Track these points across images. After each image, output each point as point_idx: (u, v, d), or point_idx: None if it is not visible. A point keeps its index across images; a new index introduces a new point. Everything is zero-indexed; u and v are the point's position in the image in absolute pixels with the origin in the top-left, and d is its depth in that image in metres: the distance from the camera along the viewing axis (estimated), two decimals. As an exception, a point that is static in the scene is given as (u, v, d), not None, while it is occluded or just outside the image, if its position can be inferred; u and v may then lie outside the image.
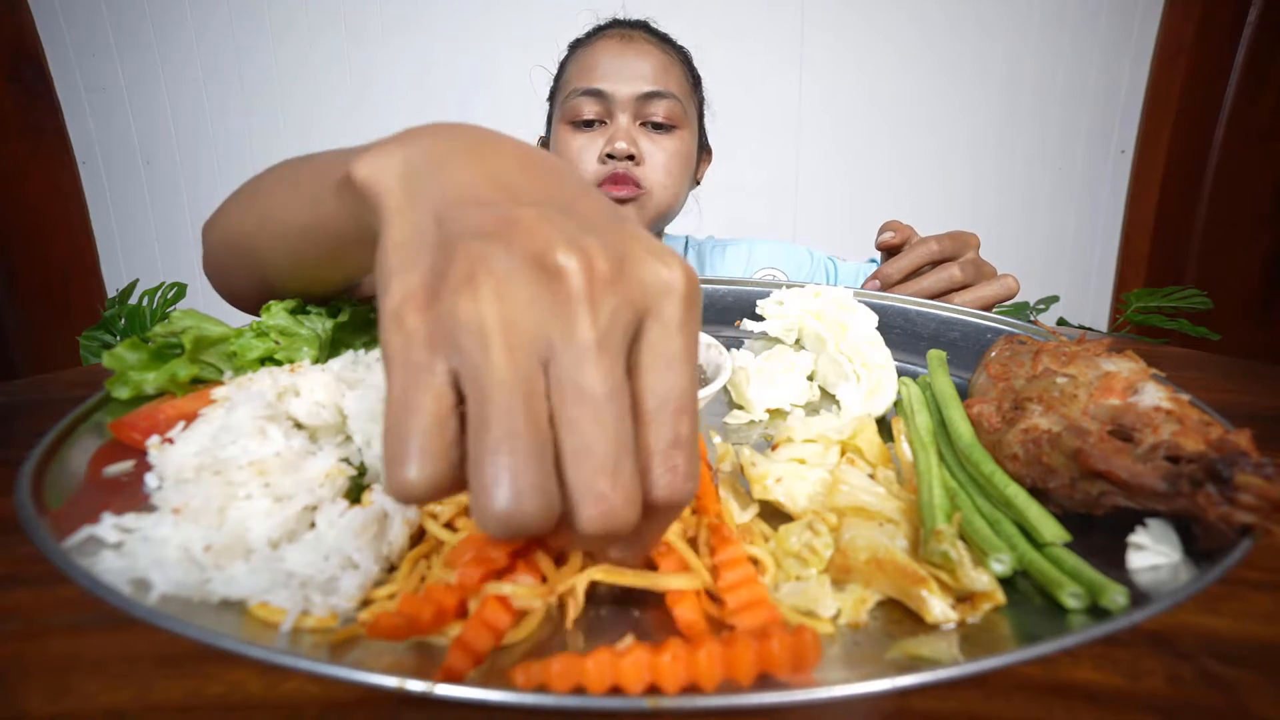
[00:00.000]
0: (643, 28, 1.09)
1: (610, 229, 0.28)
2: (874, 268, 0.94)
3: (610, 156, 0.99)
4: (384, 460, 0.25)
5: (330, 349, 0.57)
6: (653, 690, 0.29)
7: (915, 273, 0.81)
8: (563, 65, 1.11)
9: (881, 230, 0.86)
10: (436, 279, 0.26)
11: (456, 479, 0.25)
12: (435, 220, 0.28)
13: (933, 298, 0.78)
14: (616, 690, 0.28)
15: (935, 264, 0.81)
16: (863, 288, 0.80)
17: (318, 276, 0.55)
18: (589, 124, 1.02)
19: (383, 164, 0.32)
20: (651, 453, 0.26)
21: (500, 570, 0.34)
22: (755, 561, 0.39)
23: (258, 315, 0.63)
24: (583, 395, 0.25)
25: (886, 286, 0.81)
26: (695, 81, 1.12)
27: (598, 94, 1.00)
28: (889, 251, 0.87)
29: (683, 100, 1.03)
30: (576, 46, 1.10)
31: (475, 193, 0.29)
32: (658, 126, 1.02)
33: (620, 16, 1.12)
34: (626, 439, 0.25)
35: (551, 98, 1.13)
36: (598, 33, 1.08)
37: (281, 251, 0.53)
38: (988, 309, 0.79)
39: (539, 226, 0.26)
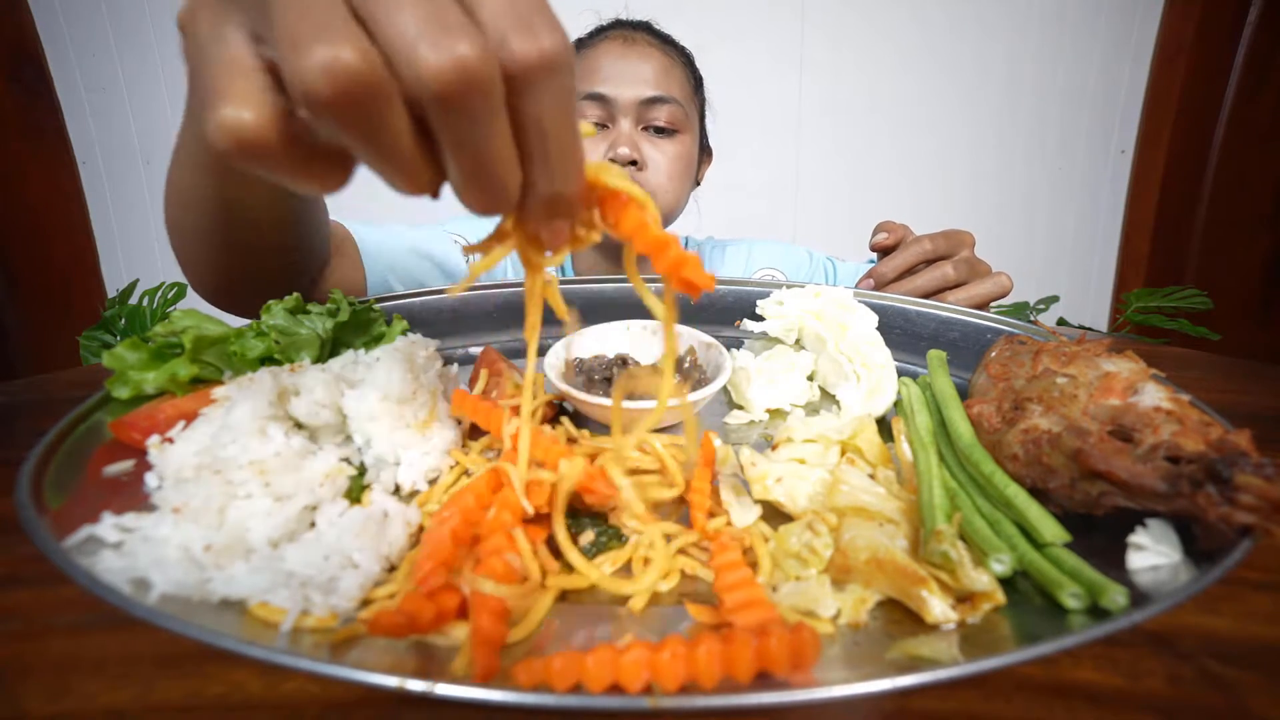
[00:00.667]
0: (645, 29, 1.09)
1: None
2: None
3: (613, 161, 0.99)
4: (210, 103, 0.25)
5: (330, 349, 0.57)
6: (652, 688, 0.29)
7: (911, 271, 0.81)
8: None
9: (875, 231, 0.86)
10: None
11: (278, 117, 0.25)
12: None
13: (926, 296, 0.78)
14: (616, 687, 0.29)
15: (930, 262, 0.81)
16: (857, 287, 0.80)
17: (227, 195, 0.56)
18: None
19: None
20: (505, 18, 0.25)
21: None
22: (747, 549, 0.39)
23: (232, 304, 0.65)
24: None
25: (880, 286, 0.81)
26: (697, 83, 1.12)
27: (599, 98, 1.00)
28: (884, 252, 0.87)
29: (684, 104, 1.04)
30: (578, 47, 1.10)
31: None
32: (659, 130, 1.02)
33: (623, 17, 1.12)
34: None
35: None
36: (600, 34, 1.08)
37: (189, 182, 0.57)
38: (982, 307, 0.79)
39: None
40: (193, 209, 0.61)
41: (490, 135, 0.26)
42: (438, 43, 0.23)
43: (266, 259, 0.67)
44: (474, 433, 0.52)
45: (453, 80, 0.23)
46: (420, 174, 0.28)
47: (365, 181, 0.29)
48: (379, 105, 0.24)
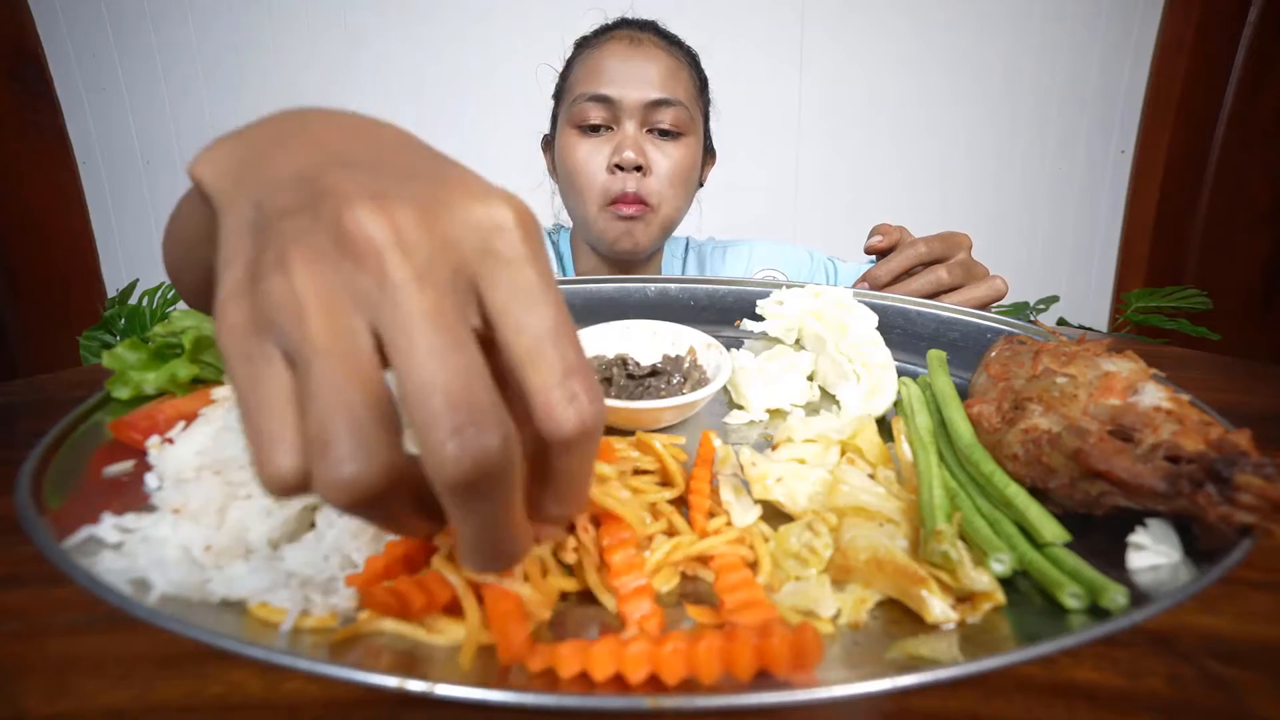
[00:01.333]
0: (651, 29, 1.08)
1: (429, 177, 0.27)
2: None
3: (619, 167, 0.99)
4: (251, 459, 0.24)
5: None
6: (654, 681, 0.29)
7: (907, 274, 0.81)
8: (569, 65, 1.11)
9: (870, 234, 0.86)
10: (255, 266, 0.25)
11: None
12: (255, 207, 0.27)
13: None
14: (618, 679, 0.29)
15: (927, 265, 0.81)
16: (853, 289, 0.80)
17: None
18: (595, 129, 1.01)
19: (213, 160, 0.31)
20: (548, 388, 0.25)
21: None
22: (749, 548, 0.39)
23: None
24: (410, 329, 0.23)
25: (875, 289, 0.81)
26: (702, 84, 1.11)
27: (605, 99, 0.99)
28: (881, 255, 0.87)
29: (690, 106, 1.03)
30: (583, 46, 1.09)
31: (292, 171, 0.28)
32: (664, 133, 1.01)
33: (629, 16, 1.12)
34: (476, 368, 0.23)
35: (557, 96, 1.13)
36: (605, 33, 1.07)
37: (196, 252, 0.54)
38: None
39: (343, 189, 0.25)
40: (190, 275, 0.58)
41: (500, 513, 0.25)
42: (461, 435, 0.22)
43: None
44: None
45: (470, 472, 0.23)
46: (420, 531, 0.28)
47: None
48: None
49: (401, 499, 0.25)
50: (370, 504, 0.24)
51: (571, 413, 0.25)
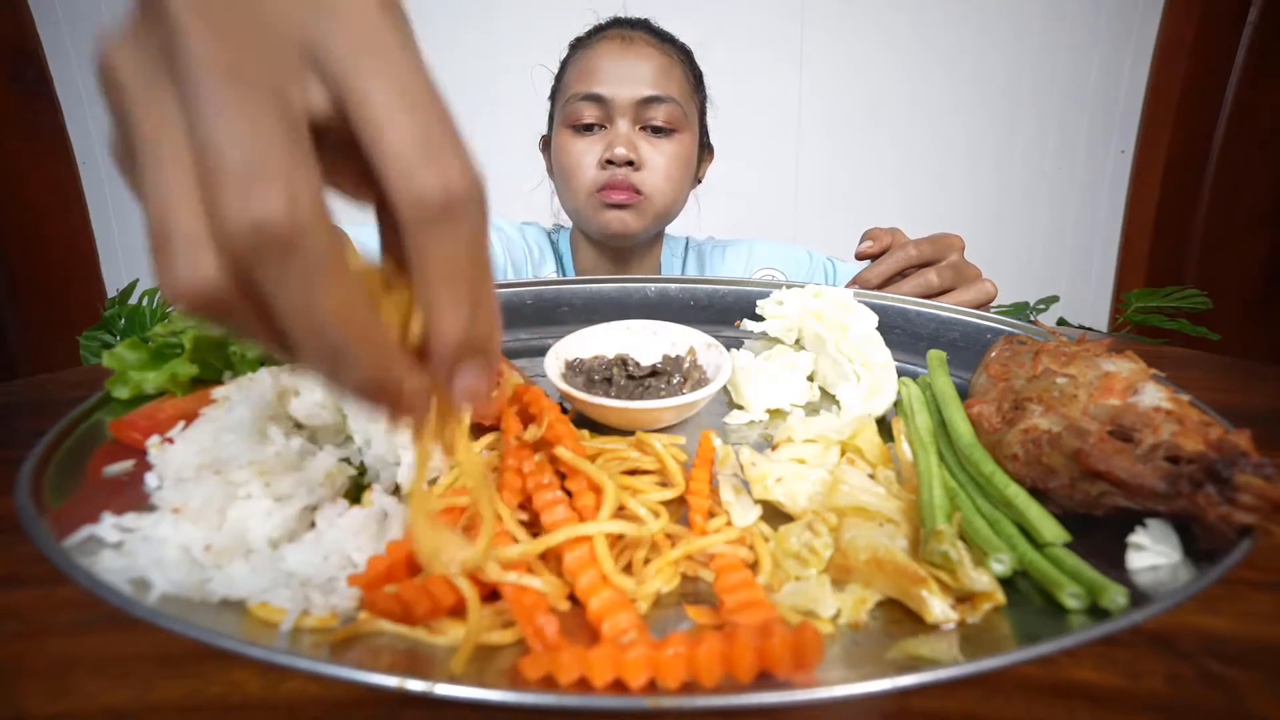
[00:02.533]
0: (644, 27, 1.09)
1: None
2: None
3: (610, 162, 1.00)
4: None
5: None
6: (654, 685, 0.29)
7: (900, 275, 0.81)
8: (563, 65, 1.11)
9: (862, 239, 0.86)
10: None
11: None
12: None
13: None
14: (618, 684, 0.29)
15: (919, 267, 0.81)
16: None
17: None
18: (589, 128, 1.02)
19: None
20: (403, 148, 0.22)
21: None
22: (749, 549, 0.39)
23: None
24: (194, 83, 0.21)
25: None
26: (697, 81, 1.12)
27: (597, 98, 1.00)
28: (873, 260, 0.87)
29: (683, 103, 1.03)
30: (577, 46, 1.10)
31: None
32: (657, 130, 1.02)
33: (621, 15, 1.12)
34: (266, 127, 0.21)
35: (553, 97, 1.13)
36: (598, 33, 1.08)
37: None
38: None
39: None
40: None
41: (315, 293, 0.22)
42: (242, 192, 0.20)
43: None
44: (474, 432, 0.52)
45: (255, 239, 0.20)
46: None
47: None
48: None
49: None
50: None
51: (434, 176, 0.22)
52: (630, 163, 1.00)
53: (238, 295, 0.22)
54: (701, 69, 1.14)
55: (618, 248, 1.12)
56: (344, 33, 0.22)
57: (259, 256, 0.21)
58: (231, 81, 0.21)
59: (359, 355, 0.24)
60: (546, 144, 1.17)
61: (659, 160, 1.02)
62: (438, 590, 0.33)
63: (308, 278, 0.22)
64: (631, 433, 0.52)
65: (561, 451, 0.42)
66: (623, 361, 0.61)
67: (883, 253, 0.83)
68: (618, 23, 1.10)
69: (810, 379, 0.64)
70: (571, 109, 1.02)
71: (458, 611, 0.34)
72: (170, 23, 0.21)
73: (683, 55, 1.09)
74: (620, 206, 1.02)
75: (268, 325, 0.23)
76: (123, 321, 1.55)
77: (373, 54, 0.23)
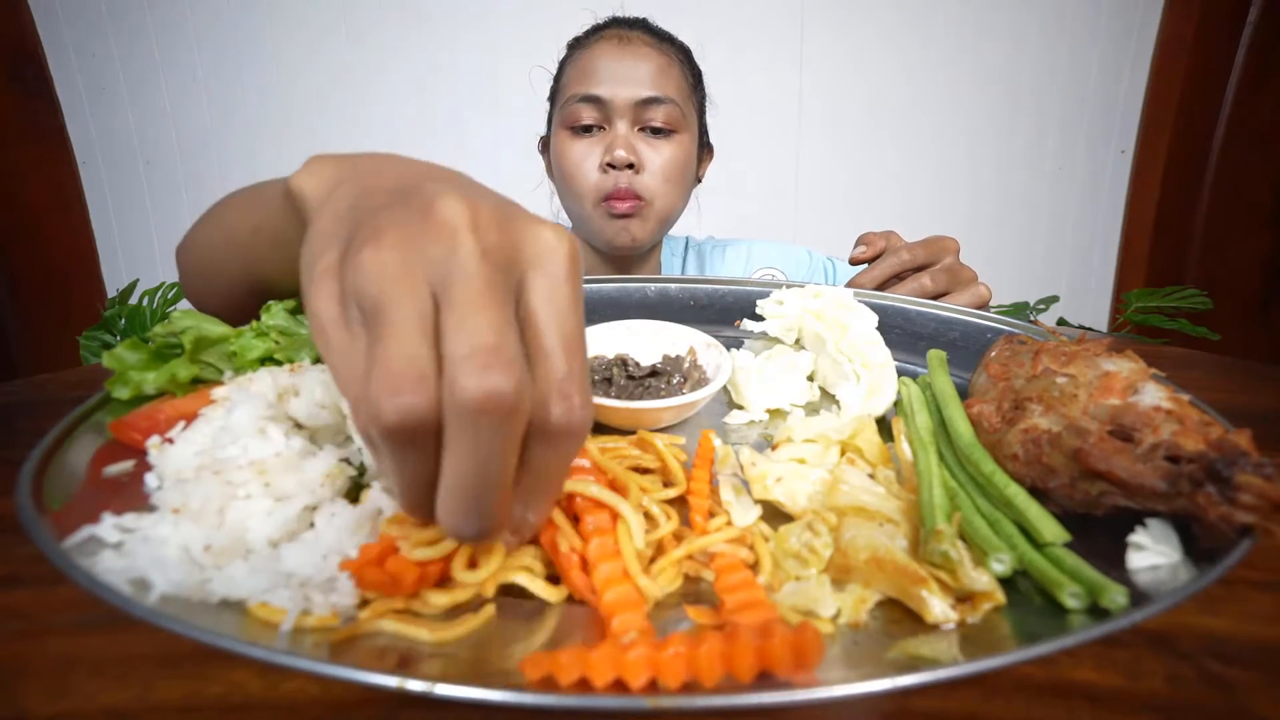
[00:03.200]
0: (641, 27, 1.08)
1: (502, 200, 0.32)
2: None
3: (610, 166, 0.99)
4: (354, 417, 0.28)
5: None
6: (654, 685, 0.29)
7: (898, 277, 0.81)
8: (562, 66, 1.11)
9: (856, 244, 0.86)
10: (347, 247, 0.30)
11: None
12: (351, 206, 0.33)
13: None
14: (619, 684, 0.29)
15: (914, 270, 0.81)
16: None
17: (268, 276, 0.59)
18: (587, 129, 1.02)
19: (314, 173, 0.39)
20: (551, 381, 0.29)
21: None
22: (749, 549, 0.39)
23: (238, 324, 0.67)
24: (466, 286, 0.27)
25: None
26: (696, 80, 1.11)
27: (595, 100, 1.00)
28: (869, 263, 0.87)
29: (681, 104, 1.03)
30: (575, 47, 1.09)
31: (388, 182, 0.34)
32: (656, 131, 1.02)
33: (619, 15, 1.12)
34: (507, 330, 0.27)
35: (551, 98, 1.13)
36: (596, 33, 1.08)
37: (236, 255, 0.60)
38: None
39: (436, 188, 0.30)
40: (223, 275, 0.63)
41: (498, 456, 0.28)
42: (487, 370, 0.26)
43: (278, 297, 0.68)
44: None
45: (484, 405, 0.26)
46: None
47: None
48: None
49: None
50: (407, 423, 0.26)
51: (561, 410, 0.29)
52: (630, 165, 0.99)
53: (432, 433, 0.27)
54: (701, 68, 1.14)
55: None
56: (546, 284, 0.30)
57: (477, 419, 0.26)
58: (492, 289, 0.28)
59: (492, 514, 0.29)
60: (545, 145, 1.17)
61: (658, 162, 1.02)
62: (425, 561, 0.34)
63: (502, 443, 0.27)
64: (632, 432, 0.52)
65: (593, 450, 0.42)
66: (623, 361, 0.61)
67: (877, 257, 0.83)
68: (615, 22, 1.09)
69: (810, 379, 0.64)
70: (569, 110, 1.02)
71: (444, 579, 0.35)
72: (448, 231, 0.28)
73: (681, 54, 1.09)
74: (625, 216, 1.02)
75: (434, 461, 0.28)
76: (123, 321, 1.55)
77: (555, 306, 0.30)
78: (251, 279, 0.60)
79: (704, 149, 1.16)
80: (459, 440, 0.27)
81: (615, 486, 0.41)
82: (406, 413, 0.26)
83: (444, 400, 0.26)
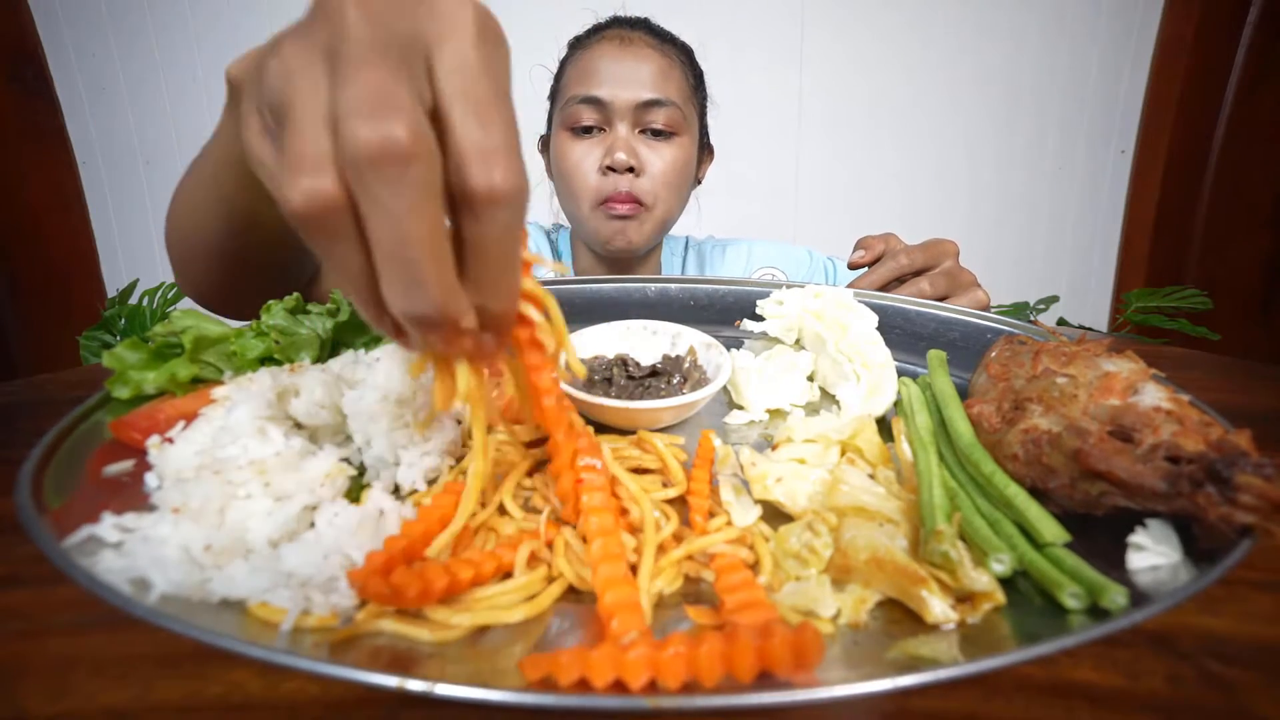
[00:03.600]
0: (643, 27, 1.08)
1: None
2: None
3: (610, 168, 0.99)
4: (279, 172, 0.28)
5: (330, 349, 0.57)
6: (654, 686, 0.29)
7: (899, 280, 0.81)
8: (562, 65, 1.10)
9: (855, 248, 0.86)
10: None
11: None
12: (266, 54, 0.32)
13: None
14: (619, 684, 0.29)
15: (916, 273, 0.81)
16: None
17: (243, 207, 0.60)
18: (588, 130, 1.01)
19: (240, 59, 0.42)
20: (464, 148, 0.28)
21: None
22: (749, 549, 0.39)
23: (229, 312, 0.67)
24: (348, 51, 0.27)
25: None
26: (697, 81, 1.11)
27: (596, 101, 0.99)
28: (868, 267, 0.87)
29: (682, 106, 1.03)
30: (576, 46, 1.09)
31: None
32: (657, 133, 1.01)
33: (620, 14, 1.11)
34: (398, 85, 0.27)
35: (551, 97, 1.13)
36: (597, 33, 1.07)
37: (213, 199, 0.61)
38: None
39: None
40: (205, 226, 0.64)
41: (413, 211, 0.27)
42: (375, 118, 0.26)
43: (268, 273, 0.68)
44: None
45: (378, 153, 0.26)
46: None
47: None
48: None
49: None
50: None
51: (481, 172, 0.28)
52: (630, 169, 0.99)
53: (345, 211, 0.27)
54: (702, 68, 1.13)
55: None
56: (449, 54, 0.29)
57: (378, 171, 0.26)
58: (377, 50, 0.27)
59: (432, 281, 0.29)
60: (545, 145, 1.16)
61: (659, 165, 1.01)
62: (429, 574, 0.33)
63: (412, 195, 0.27)
64: (632, 432, 0.52)
65: (607, 454, 0.42)
66: (623, 361, 0.61)
67: (876, 261, 0.83)
68: (617, 22, 1.09)
69: (810, 379, 0.64)
70: (570, 111, 1.01)
71: (448, 597, 0.34)
72: (335, 12, 0.28)
73: (683, 55, 1.08)
74: (623, 219, 1.01)
75: (361, 245, 0.28)
76: (123, 321, 1.55)
77: (461, 74, 0.29)
78: (231, 219, 0.61)
79: (704, 150, 1.16)
80: (369, 204, 0.27)
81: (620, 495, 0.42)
82: (310, 194, 0.26)
83: (343, 165, 0.26)
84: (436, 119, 0.28)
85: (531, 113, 1.20)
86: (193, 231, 0.66)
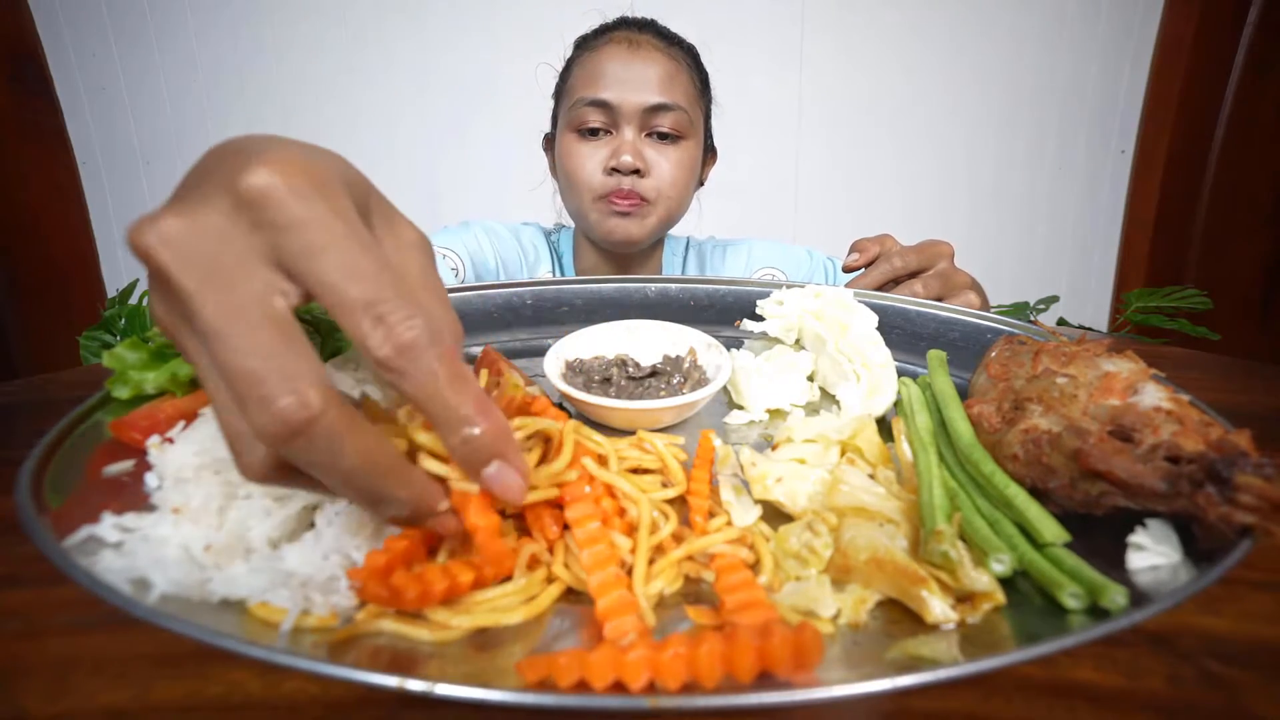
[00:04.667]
0: (651, 29, 1.07)
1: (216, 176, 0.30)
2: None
3: (616, 170, 0.99)
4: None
5: (330, 349, 0.57)
6: (653, 686, 0.29)
7: (894, 281, 0.81)
8: (569, 65, 1.10)
9: (849, 251, 0.86)
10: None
11: None
12: None
13: None
14: (619, 685, 0.29)
15: (911, 275, 0.81)
16: None
17: None
18: (594, 132, 1.02)
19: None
20: (355, 324, 0.28)
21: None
22: (749, 548, 0.39)
23: None
24: (206, 333, 0.28)
25: None
26: (703, 84, 1.11)
27: (603, 105, 1.00)
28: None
29: (689, 109, 1.03)
30: (583, 47, 1.09)
31: None
32: (663, 136, 1.02)
33: (628, 16, 1.11)
34: (270, 349, 0.27)
35: (557, 96, 1.13)
36: (604, 34, 1.07)
37: None
38: None
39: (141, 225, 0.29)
40: None
41: (343, 456, 0.28)
42: (259, 407, 0.26)
43: None
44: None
45: (284, 432, 0.27)
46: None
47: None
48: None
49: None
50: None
51: (379, 336, 0.28)
52: (636, 170, 0.99)
53: (290, 469, 0.29)
54: (707, 70, 1.13)
55: (621, 252, 1.12)
56: (297, 238, 0.28)
57: (290, 445, 0.27)
58: (226, 317, 0.27)
59: (396, 494, 0.30)
60: (549, 143, 1.16)
61: (665, 167, 1.02)
62: (429, 577, 0.33)
63: (330, 447, 0.28)
64: (631, 432, 0.52)
65: (591, 464, 0.42)
66: (623, 362, 0.61)
67: (870, 264, 0.83)
68: (624, 24, 1.08)
69: (810, 379, 0.64)
70: (577, 113, 1.01)
71: (449, 599, 0.34)
72: (174, 289, 0.27)
73: (689, 58, 1.08)
74: (625, 214, 1.02)
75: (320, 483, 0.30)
76: (123, 321, 1.55)
77: (322, 248, 0.28)
78: None
79: (708, 152, 1.16)
80: (304, 465, 0.28)
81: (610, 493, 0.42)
82: (253, 469, 0.29)
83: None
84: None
85: (538, 112, 1.20)
86: None
